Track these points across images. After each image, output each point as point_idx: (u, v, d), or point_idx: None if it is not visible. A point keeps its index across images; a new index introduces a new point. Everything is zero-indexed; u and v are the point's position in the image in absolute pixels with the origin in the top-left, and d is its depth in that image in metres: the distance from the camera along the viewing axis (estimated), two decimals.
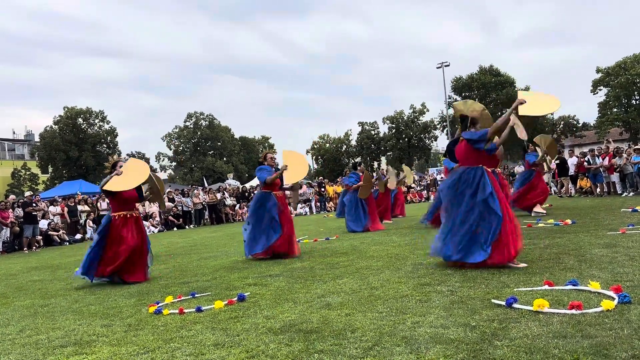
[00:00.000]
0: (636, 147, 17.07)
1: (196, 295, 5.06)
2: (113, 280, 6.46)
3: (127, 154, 47.23)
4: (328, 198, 25.07)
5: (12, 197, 20.06)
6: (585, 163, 17.69)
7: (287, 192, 8.12)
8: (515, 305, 3.51)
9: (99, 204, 18.26)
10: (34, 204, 15.90)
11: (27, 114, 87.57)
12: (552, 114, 32.30)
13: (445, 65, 42.25)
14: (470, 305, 3.71)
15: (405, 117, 50.91)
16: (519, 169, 22.13)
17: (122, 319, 4.33)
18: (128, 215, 6.56)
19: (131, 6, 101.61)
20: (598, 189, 17.27)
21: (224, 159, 56.01)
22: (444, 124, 47.68)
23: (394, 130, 50.95)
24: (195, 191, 21.94)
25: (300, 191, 25.00)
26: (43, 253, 13.71)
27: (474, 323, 3.24)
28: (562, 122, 48.46)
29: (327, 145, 54.19)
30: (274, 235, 7.33)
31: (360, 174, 11.49)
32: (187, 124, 55.92)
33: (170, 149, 56.22)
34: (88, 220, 18.13)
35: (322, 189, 25.34)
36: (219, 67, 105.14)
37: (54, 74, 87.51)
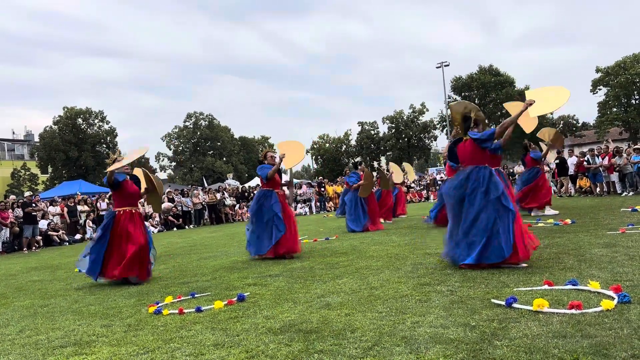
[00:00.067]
0: (636, 146, 17.08)
1: (196, 296, 5.06)
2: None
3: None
4: (328, 198, 25.07)
5: (12, 197, 20.05)
6: (585, 163, 17.70)
7: (286, 191, 8.11)
8: (515, 305, 3.51)
9: (98, 204, 18.26)
10: (34, 204, 15.89)
11: (26, 114, 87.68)
12: (551, 113, 32.21)
13: (445, 65, 42.30)
14: (470, 305, 3.70)
15: (404, 117, 50.93)
16: (519, 168, 22.13)
17: (122, 319, 4.33)
18: (133, 211, 6.50)
19: (131, 6, 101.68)
20: (598, 189, 17.27)
21: (224, 159, 56.01)
22: (444, 123, 47.68)
23: (393, 130, 50.97)
24: (195, 191, 21.94)
25: (300, 191, 25.01)
26: (43, 253, 13.70)
27: (474, 323, 3.24)
28: (561, 122, 48.50)
29: (327, 145, 54.21)
30: (278, 234, 7.28)
31: (361, 173, 11.50)
32: (187, 124, 55.93)
33: (170, 149, 56.25)
34: (88, 221, 18.14)
35: (322, 189, 25.34)
36: (218, 67, 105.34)
37: (54, 74, 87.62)
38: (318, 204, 25.12)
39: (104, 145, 48.01)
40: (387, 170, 14.60)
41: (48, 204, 18.43)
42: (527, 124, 7.29)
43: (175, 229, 19.45)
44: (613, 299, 3.40)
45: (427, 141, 51.79)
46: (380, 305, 3.94)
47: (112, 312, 4.67)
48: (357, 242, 8.83)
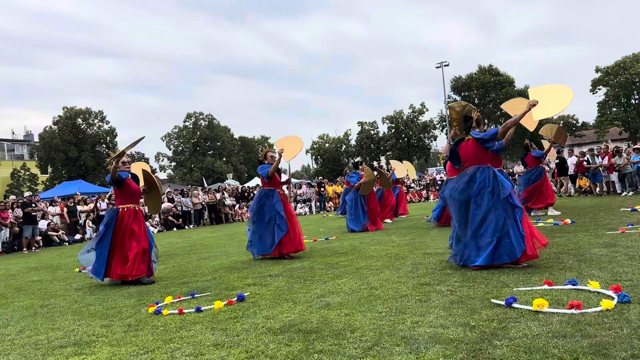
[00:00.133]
0: (635, 146, 17.09)
1: (196, 296, 5.06)
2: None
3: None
4: (327, 198, 25.06)
5: (12, 197, 20.04)
6: (585, 162, 17.70)
7: (286, 191, 8.12)
8: (515, 305, 3.50)
9: (98, 204, 18.26)
10: (34, 205, 15.88)
11: (26, 114, 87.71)
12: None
13: (445, 65, 42.27)
14: (470, 305, 3.70)
15: (404, 117, 50.95)
16: (519, 168, 22.13)
17: (122, 319, 4.33)
18: (137, 208, 6.46)
19: (131, 6, 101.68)
20: (597, 189, 17.28)
21: (224, 159, 56.03)
22: (444, 123, 47.70)
23: (393, 130, 51.01)
24: (195, 191, 21.93)
25: (300, 191, 25.00)
26: (42, 253, 13.69)
27: (474, 323, 3.24)
28: (561, 122, 48.50)
29: (327, 145, 54.24)
30: (280, 234, 7.26)
31: (362, 173, 11.50)
32: (187, 124, 55.96)
33: (170, 149, 56.27)
34: (87, 221, 18.13)
35: (322, 189, 25.34)
36: (218, 67, 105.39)
37: (54, 74, 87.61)
38: (318, 203, 25.13)
39: (104, 146, 48.04)
40: (388, 170, 14.61)
41: (48, 204, 18.42)
42: (530, 124, 7.25)
43: (175, 229, 19.44)
44: (613, 298, 3.40)
45: (426, 141, 51.86)
46: (380, 305, 3.94)
47: (112, 312, 4.67)
48: (357, 242, 8.83)
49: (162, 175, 54.84)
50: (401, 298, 4.13)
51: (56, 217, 17.50)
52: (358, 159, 16.85)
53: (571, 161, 18.62)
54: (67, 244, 16.49)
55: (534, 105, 5.32)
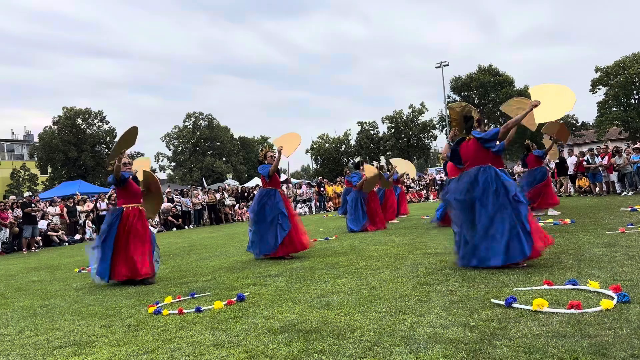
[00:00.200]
0: (635, 146, 17.10)
1: (195, 296, 5.06)
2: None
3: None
4: (327, 198, 25.07)
5: (12, 197, 20.03)
6: (585, 162, 17.70)
7: (285, 190, 8.14)
8: (515, 305, 3.51)
9: (98, 204, 18.25)
10: (33, 205, 15.88)
11: (26, 114, 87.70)
12: None
13: (444, 65, 42.26)
14: (470, 305, 3.71)
15: (404, 117, 50.96)
16: (518, 168, 22.13)
17: (122, 320, 4.33)
18: (140, 208, 6.44)
19: (130, 7, 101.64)
20: (597, 189, 17.28)
21: (223, 159, 56.03)
22: (443, 123, 47.71)
23: (393, 130, 51.01)
24: (195, 191, 21.93)
25: (300, 191, 25.00)
26: (42, 254, 13.69)
27: (474, 323, 3.24)
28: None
29: (327, 145, 54.24)
30: (283, 233, 7.24)
31: (363, 173, 11.51)
32: (186, 124, 55.95)
33: (170, 149, 56.26)
34: (87, 221, 18.13)
35: (322, 189, 25.34)
36: (218, 67, 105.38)
37: (54, 74, 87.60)
38: (318, 203, 25.13)
39: (104, 146, 48.03)
40: (388, 170, 14.62)
41: (47, 204, 18.42)
42: (532, 124, 7.23)
43: (174, 229, 19.44)
44: (612, 298, 3.40)
45: (426, 141, 51.86)
46: (380, 305, 3.94)
47: (111, 313, 4.67)
48: (357, 242, 8.83)
49: (162, 176, 54.82)
50: (401, 298, 4.13)
51: (56, 217, 17.50)
52: (358, 159, 16.86)
53: (571, 161, 18.62)
54: (66, 244, 16.49)
55: (536, 105, 5.30)
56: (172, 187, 28.99)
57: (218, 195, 21.92)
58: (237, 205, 22.74)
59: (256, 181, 31.34)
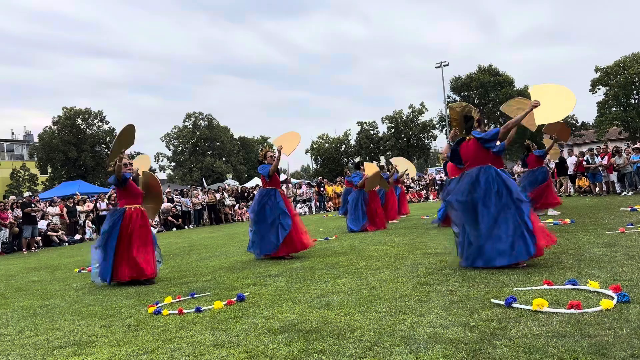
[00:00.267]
0: (635, 146, 17.10)
1: (195, 296, 5.06)
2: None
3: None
4: (327, 198, 25.07)
5: (12, 197, 20.03)
6: (584, 162, 17.71)
7: (285, 190, 8.14)
8: (515, 305, 3.51)
9: (98, 204, 18.25)
10: (33, 205, 15.88)
11: (26, 114, 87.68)
12: None
13: (444, 65, 42.26)
14: (470, 304, 3.71)
15: (404, 117, 50.96)
16: (518, 168, 22.13)
17: (122, 320, 4.33)
18: (142, 209, 6.43)
19: (130, 7, 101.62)
20: (597, 189, 17.29)
21: (223, 159, 56.03)
22: (443, 123, 47.70)
23: (393, 130, 51.01)
24: (195, 191, 21.94)
25: (300, 191, 25.00)
26: (42, 254, 13.69)
27: (473, 323, 3.24)
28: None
29: (326, 145, 54.24)
30: (284, 232, 7.24)
31: (363, 173, 11.51)
32: (186, 124, 55.95)
33: (169, 149, 56.25)
34: (87, 221, 18.13)
35: (322, 189, 25.35)
36: (218, 68, 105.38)
37: (53, 74, 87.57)
38: (317, 203, 25.13)
39: (103, 146, 48.03)
40: (388, 170, 14.63)
41: (47, 204, 18.42)
42: (532, 124, 7.23)
43: (174, 229, 19.44)
44: (612, 298, 3.40)
45: (426, 141, 51.86)
46: (380, 305, 3.94)
47: (111, 313, 4.67)
48: (357, 242, 8.83)
49: (162, 176, 54.82)
50: (401, 298, 4.13)
51: (56, 217, 17.50)
52: (358, 159, 16.87)
53: (571, 161, 18.62)
54: (66, 244, 16.48)
55: (536, 106, 5.30)
56: (172, 187, 29.00)
57: (218, 195, 21.92)
58: (237, 205, 22.75)
59: (256, 181, 31.33)
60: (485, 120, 43.36)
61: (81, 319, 4.55)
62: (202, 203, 21.25)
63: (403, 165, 15.12)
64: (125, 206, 6.36)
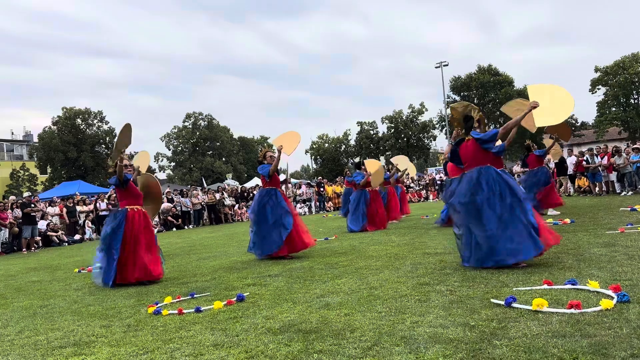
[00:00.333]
0: (635, 146, 17.10)
1: (195, 296, 5.06)
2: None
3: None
4: (327, 198, 25.07)
5: (11, 197, 20.02)
6: (584, 162, 17.71)
7: (284, 190, 8.13)
8: (514, 305, 3.51)
9: (98, 204, 18.25)
10: (33, 205, 15.88)
11: (26, 114, 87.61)
12: None
13: (444, 65, 42.27)
14: (470, 304, 3.71)
15: (404, 117, 50.95)
16: (517, 168, 22.13)
17: (121, 320, 4.33)
18: (143, 210, 6.42)
19: (130, 7, 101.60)
20: (597, 188, 17.29)
21: (223, 159, 56.02)
22: (443, 123, 47.70)
23: (392, 130, 51.00)
24: (194, 191, 21.93)
25: (300, 191, 25.00)
26: (42, 254, 13.69)
27: (473, 322, 3.24)
28: None
29: (326, 145, 54.22)
30: (286, 232, 7.23)
31: (365, 172, 11.52)
32: (186, 124, 55.93)
33: (169, 150, 56.24)
34: (87, 221, 18.12)
35: (322, 189, 25.35)
36: (217, 68, 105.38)
37: (53, 74, 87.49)
38: (317, 204, 25.13)
39: (103, 146, 48.02)
40: (388, 170, 14.65)
41: (47, 204, 18.41)
42: (531, 125, 7.23)
43: (174, 229, 19.44)
44: (612, 298, 3.40)
45: (426, 141, 51.85)
46: (380, 305, 3.94)
47: (111, 313, 4.67)
48: (357, 242, 8.83)
49: (162, 176, 54.83)
50: (401, 298, 4.13)
51: (55, 217, 17.50)
52: (358, 159, 16.90)
53: (570, 161, 18.63)
54: (66, 244, 16.48)
55: (535, 106, 5.31)
56: (172, 187, 28.97)
57: (218, 196, 21.92)
58: (236, 206, 22.75)
59: (256, 181, 31.34)
60: (486, 121, 43.34)
61: (81, 319, 4.55)
62: (202, 203, 21.25)
63: (403, 163, 15.14)
64: (127, 207, 6.35)
